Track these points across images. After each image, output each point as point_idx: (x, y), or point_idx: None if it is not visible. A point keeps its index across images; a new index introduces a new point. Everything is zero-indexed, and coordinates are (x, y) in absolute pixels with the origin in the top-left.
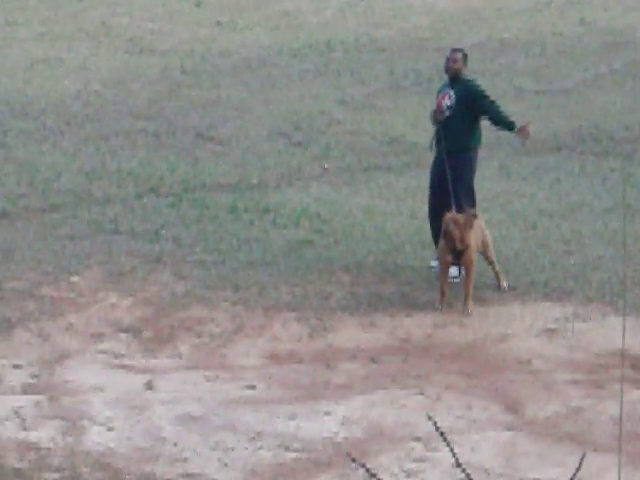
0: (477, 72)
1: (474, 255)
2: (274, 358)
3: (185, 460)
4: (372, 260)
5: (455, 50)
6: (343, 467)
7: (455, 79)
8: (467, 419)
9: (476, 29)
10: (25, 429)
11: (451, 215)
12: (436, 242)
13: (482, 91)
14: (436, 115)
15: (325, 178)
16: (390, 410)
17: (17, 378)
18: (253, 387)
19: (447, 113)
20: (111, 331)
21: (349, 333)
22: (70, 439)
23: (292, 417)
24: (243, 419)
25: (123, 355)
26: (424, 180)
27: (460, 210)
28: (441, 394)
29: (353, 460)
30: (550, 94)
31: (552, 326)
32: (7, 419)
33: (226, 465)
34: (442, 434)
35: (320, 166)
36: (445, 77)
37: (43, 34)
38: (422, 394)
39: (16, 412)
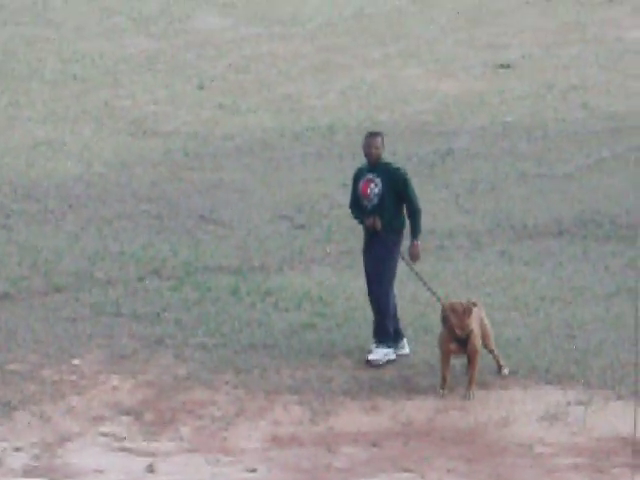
0: (479, 156)
1: (478, 342)
2: (275, 441)
3: None
4: None
5: (372, 134)
6: None
7: (376, 164)
8: None
9: (478, 113)
10: None
11: (449, 303)
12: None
13: (408, 180)
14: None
15: (327, 261)
16: None
17: (18, 461)
18: (254, 470)
19: (375, 200)
20: (112, 414)
21: (350, 417)
22: None
23: None
24: None
25: (124, 438)
26: (427, 265)
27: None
28: (442, 478)
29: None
30: (552, 178)
31: (554, 411)
32: None
33: None
34: None
35: (322, 249)
36: (363, 161)
37: (46, 116)
38: (423, 478)
39: None
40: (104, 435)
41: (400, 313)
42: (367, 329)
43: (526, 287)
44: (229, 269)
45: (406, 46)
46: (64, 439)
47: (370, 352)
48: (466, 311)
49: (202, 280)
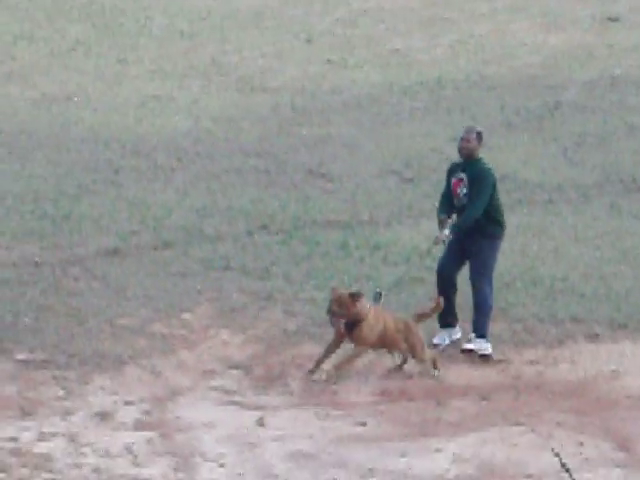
0: (588, 109)
1: (365, 334)
2: (385, 395)
3: None
4: None
5: (469, 129)
6: None
7: (468, 160)
8: (579, 457)
9: (587, 66)
10: (137, 465)
11: (337, 291)
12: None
13: (487, 180)
14: (437, 240)
15: (435, 215)
16: (501, 448)
17: (129, 415)
18: (364, 424)
19: (464, 200)
20: (222, 368)
21: (460, 370)
22: (182, 475)
23: (403, 454)
24: (354, 456)
25: (234, 392)
26: (535, 217)
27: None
28: (552, 432)
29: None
30: None
31: None
32: (119, 455)
33: None
34: (568, 470)
35: (431, 203)
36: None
37: (154, 72)
38: (533, 432)
39: (128, 448)
40: (214, 389)
41: (509, 265)
42: None
43: (635, 240)
44: (338, 223)
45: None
46: (174, 393)
47: (469, 341)
48: (352, 298)
49: (311, 235)
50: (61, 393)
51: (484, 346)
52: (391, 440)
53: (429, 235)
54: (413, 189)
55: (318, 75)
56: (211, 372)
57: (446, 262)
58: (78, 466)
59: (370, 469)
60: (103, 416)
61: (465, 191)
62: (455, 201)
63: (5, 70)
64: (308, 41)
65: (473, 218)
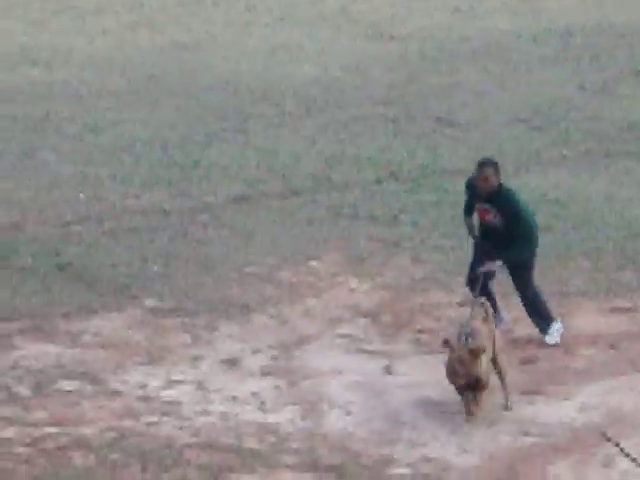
0: None
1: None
2: (513, 342)
3: (424, 444)
4: (611, 246)
5: (484, 164)
6: (581, 453)
7: (491, 193)
8: None
9: None
10: (264, 412)
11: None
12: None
13: (519, 211)
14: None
15: (564, 163)
16: (630, 396)
17: (256, 362)
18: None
19: (497, 225)
20: (349, 315)
21: (588, 318)
22: (309, 422)
23: (530, 402)
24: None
25: (361, 339)
26: None
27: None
28: None
29: (608, 439)
30: None
31: None
32: (246, 402)
33: (465, 450)
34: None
35: (559, 152)
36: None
37: (283, 19)
38: None
39: (255, 395)
40: (341, 337)
41: (638, 215)
42: (604, 231)
43: None
44: (466, 172)
45: None
46: (301, 340)
47: (544, 338)
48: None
49: (439, 182)
50: (189, 340)
51: (554, 337)
52: (518, 388)
53: (556, 183)
54: (541, 137)
55: (446, 23)
56: (338, 319)
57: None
58: (205, 413)
59: (497, 417)
60: (231, 363)
61: (497, 221)
62: (484, 221)
63: (133, 18)
64: None
65: (522, 250)
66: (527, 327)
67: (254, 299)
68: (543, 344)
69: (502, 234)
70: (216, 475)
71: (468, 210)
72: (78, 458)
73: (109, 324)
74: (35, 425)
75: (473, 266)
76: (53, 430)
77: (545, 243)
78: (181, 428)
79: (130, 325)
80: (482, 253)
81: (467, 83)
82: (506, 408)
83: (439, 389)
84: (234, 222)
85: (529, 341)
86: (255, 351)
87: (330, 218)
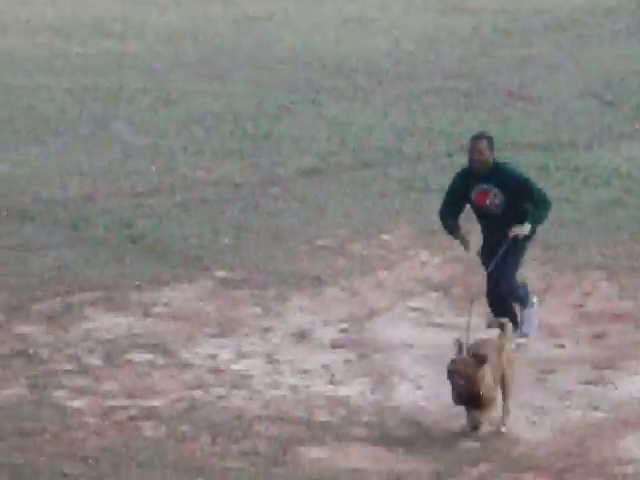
0: None
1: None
2: (583, 317)
3: (494, 417)
4: None
5: (477, 138)
6: None
7: (486, 170)
8: None
9: None
10: (334, 385)
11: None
12: None
13: (528, 180)
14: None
15: (636, 137)
16: None
17: (327, 334)
18: (562, 346)
19: (498, 210)
20: (421, 288)
21: None
22: (379, 395)
23: (601, 377)
24: (552, 377)
25: (432, 312)
26: None
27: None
28: None
29: None
30: None
31: None
32: (317, 375)
33: (534, 423)
34: None
35: (631, 126)
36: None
37: None
38: None
39: (326, 368)
40: (412, 310)
41: None
42: None
43: None
44: (537, 145)
45: None
46: (372, 313)
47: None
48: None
49: (511, 156)
50: (259, 312)
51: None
52: (589, 362)
53: (629, 157)
54: (613, 112)
55: None
56: (409, 292)
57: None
58: (275, 385)
59: (568, 391)
60: (301, 336)
61: (497, 202)
62: (482, 212)
63: None
64: None
65: (547, 212)
66: (598, 301)
67: (325, 271)
68: (614, 318)
69: (505, 224)
70: (285, 447)
71: (452, 210)
72: (148, 429)
73: (180, 295)
74: (105, 396)
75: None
76: (123, 401)
77: (617, 218)
78: (251, 400)
79: (201, 297)
80: (489, 256)
81: (539, 56)
82: (501, 426)
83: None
84: (305, 194)
85: (600, 315)
86: (326, 323)
87: (401, 191)
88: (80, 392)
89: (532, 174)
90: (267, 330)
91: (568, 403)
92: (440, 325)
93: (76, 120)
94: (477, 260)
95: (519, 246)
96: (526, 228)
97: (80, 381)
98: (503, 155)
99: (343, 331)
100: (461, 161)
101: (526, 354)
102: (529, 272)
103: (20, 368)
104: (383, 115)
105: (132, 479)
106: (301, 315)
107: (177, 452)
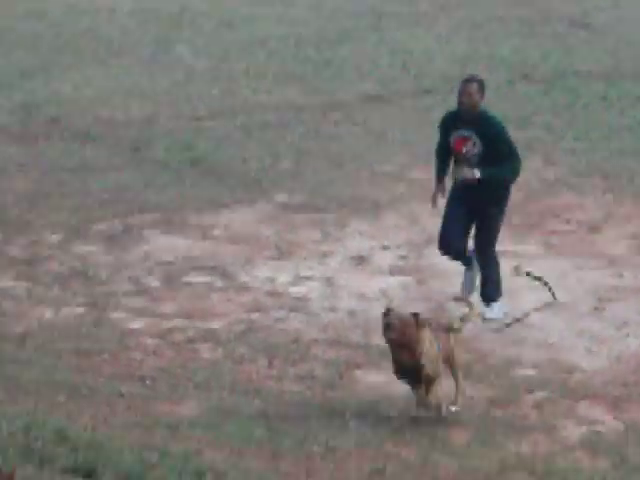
0: None
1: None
2: None
3: (551, 346)
4: None
5: (468, 81)
6: None
7: (472, 116)
8: None
9: None
10: None
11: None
12: None
13: (508, 138)
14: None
15: None
16: None
17: (385, 260)
18: (621, 275)
19: (474, 161)
20: None
21: None
22: None
23: None
24: (610, 307)
25: None
26: None
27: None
28: None
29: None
30: None
31: None
32: (375, 299)
33: (591, 352)
34: None
35: None
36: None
37: None
38: None
39: (383, 292)
40: (471, 237)
41: None
42: None
43: None
44: (599, 75)
45: None
46: (431, 240)
47: (484, 313)
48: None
49: (572, 85)
50: (318, 236)
51: (495, 313)
52: None
53: None
54: None
55: None
56: None
57: (451, 235)
58: (333, 309)
59: (625, 320)
60: (359, 260)
61: (476, 151)
62: (457, 158)
63: None
64: None
65: (510, 174)
66: None
67: (384, 197)
68: None
69: (478, 187)
70: (342, 371)
71: (442, 151)
72: (205, 351)
73: (239, 218)
74: (164, 317)
75: (443, 235)
76: (181, 322)
77: None
78: (308, 324)
79: (260, 220)
80: (453, 220)
81: None
82: (454, 404)
83: (567, 291)
84: (366, 120)
85: None
86: (384, 248)
87: None
88: (138, 313)
89: (593, 103)
90: (325, 254)
91: (625, 332)
92: (499, 252)
93: (138, 42)
94: (537, 188)
95: (492, 215)
96: (476, 173)
97: (138, 302)
98: (565, 84)
99: (401, 257)
100: (523, 89)
101: (584, 284)
102: (589, 200)
103: (79, 288)
104: (445, 42)
105: (189, 400)
106: (360, 240)
107: (234, 374)
